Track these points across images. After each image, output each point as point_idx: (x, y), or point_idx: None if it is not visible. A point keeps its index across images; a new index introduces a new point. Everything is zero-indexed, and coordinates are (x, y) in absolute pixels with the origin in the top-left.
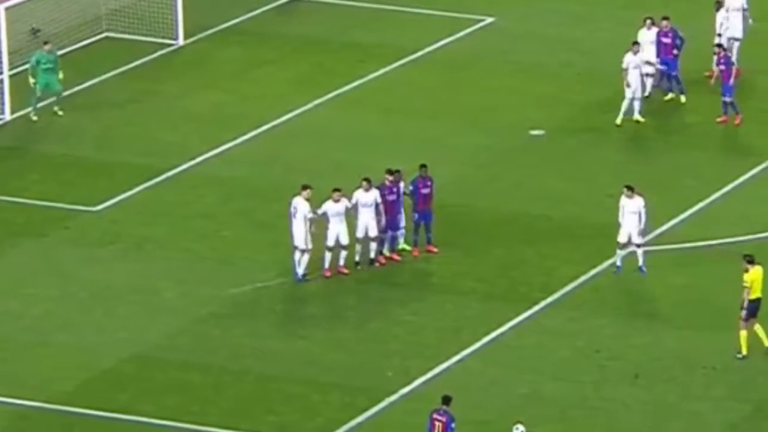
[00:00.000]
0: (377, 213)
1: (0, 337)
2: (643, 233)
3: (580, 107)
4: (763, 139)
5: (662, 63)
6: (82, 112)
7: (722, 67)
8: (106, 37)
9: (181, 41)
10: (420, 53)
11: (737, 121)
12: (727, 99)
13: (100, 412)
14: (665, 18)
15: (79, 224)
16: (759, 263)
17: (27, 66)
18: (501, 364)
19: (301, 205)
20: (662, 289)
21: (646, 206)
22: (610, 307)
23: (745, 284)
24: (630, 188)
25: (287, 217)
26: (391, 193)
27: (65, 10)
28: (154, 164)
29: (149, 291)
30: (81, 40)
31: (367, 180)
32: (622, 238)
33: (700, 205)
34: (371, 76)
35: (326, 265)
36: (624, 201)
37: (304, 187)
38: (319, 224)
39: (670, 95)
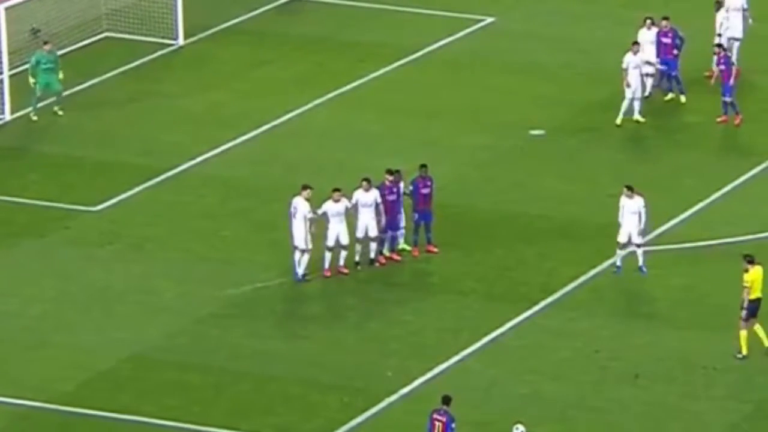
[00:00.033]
0: (377, 213)
1: (0, 338)
2: (643, 233)
3: (580, 107)
4: (763, 139)
5: (662, 63)
6: (82, 112)
7: (722, 67)
8: (106, 37)
9: (181, 41)
10: (420, 53)
11: (737, 121)
12: (727, 99)
13: (99, 413)
14: (665, 18)
15: (79, 224)
16: (759, 263)
17: (27, 66)
18: (501, 364)
19: (301, 205)
20: (662, 289)
21: (646, 206)
22: (610, 308)
23: (745, 284)
24: (630, 188)
25: (287, 217)
26: (391, 193)
27: (65, 10)
28: (154, 164)
29: (149, 291)
30: (81, 40)
31: (367, 180)
32: (622, 238)
33: (700, 205)
34: (371, 75)
35: (326, 265)
36: (624, 201)
37: (304, 187)
38: (319, 224)
39: (670, 95)
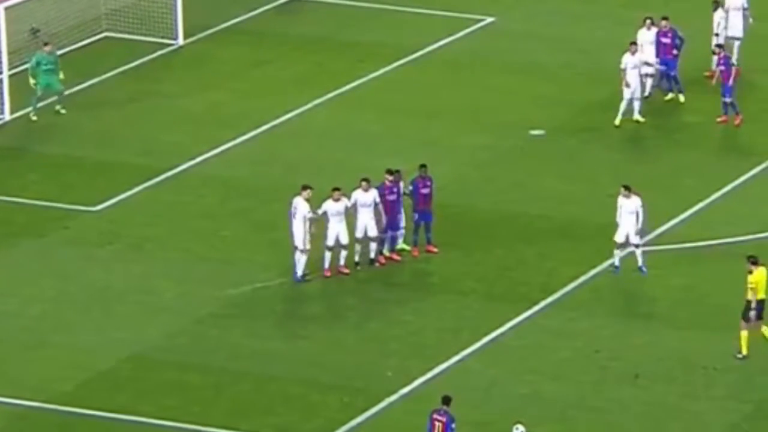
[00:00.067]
0: (376, 213)
1: None
2: (640, 233)
3: (580, 107)
4: (763, 139)
5: (662, 63)
6: (81, 112)
7: (722, 67)
8: (106, 37)
9: (180, 41)
10: (420, 53)
11: (737, 122)
12: (727, 99)
13: (99, 413)
14: (665, 18)
15: (79, 224)
16: (763, 264)
17: (27, 66)
18: (501, 364)
19: (300, 205)
20: (662, 289)
21: (643, 206)
22: (610, 308)
23: (751, 285)
24: (627, 188)
25: (287, 217)
26: (391, 193)
27: (65, 9)
28: (154, 164)
29: (148, 291)
30: (81, 40)
31: (366, 180)
32: (619, 238)
33: (700, 205)
34: (371, 75)
35: (326, 265)
36: (621, 201)
37: (304, 188)
38: (319, 224)
39: (670, 95)
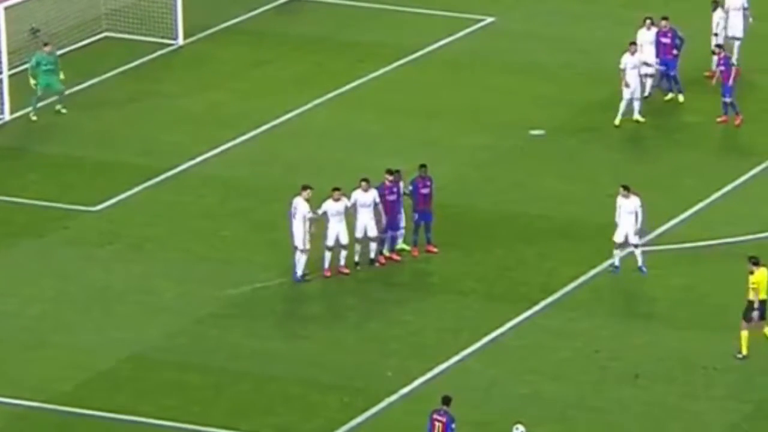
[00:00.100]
0: (376, 213)
1: None
2: (639, 233)
3: (580, 107)
4: (763, 139)
5: (662, 63)
6: (81, 112)
7: (722, 68)
8: (106, 37)
9: (180, 41)
10: (420, 53)
11: (737, 122)
12: (727, 100)
13: (98, 413)
14: (664, 18)
15: (78, 224)
16: (764, 265)
17: (26, 66)
18: (501, 364)
19: (300, 205)
20: (662, 289)
21: (642, 206)
22: (610, 308)
23: (753, 286)
24: (626, 188)
25: (287, 217)
26: (391, 193)
27: (65, 9)
28: (154, 164)
29: (148, 291)
30: (81, 40)
31: (366, 180)
32: (618, 238)
33: (700, 205)
34: (371, 75)
35: (326, 265)
36: (620, 201)
37: (304, 188)
38: (319, 224)
39: (670, 95)
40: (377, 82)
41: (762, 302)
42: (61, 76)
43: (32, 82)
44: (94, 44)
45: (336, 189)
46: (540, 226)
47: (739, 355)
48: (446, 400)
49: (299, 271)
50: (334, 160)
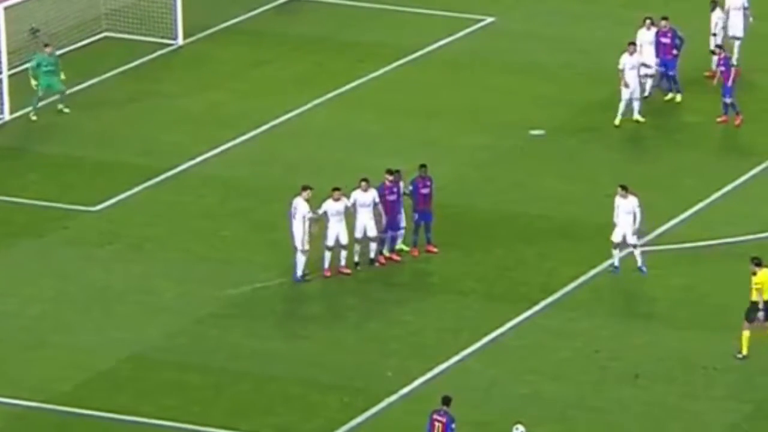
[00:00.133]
0: (376, 213)
1: None
2: (638, 233)
3: (580, 107)
4: (763, 139)
5: (661, 63)
6: (81, 112)
7: (722, 68)
8: (106, 37)
9: (180, 41)
10: (420, 53)
11: (737, 122)
12: (727, 100)
13: (98, 413)
14: (664, 18)
15: (78, 224)
16: (766, 265)
17: (27, 66)
18: (501, 364)
19: (300, 206)
20: (662, 289)
21: (640, 206)
22: (610, 308)
23: (756, 286)
24: (624, 188)
25: (287, 217)
26: (392, 193)
27: (64, 9)
28: (154, 164)
29: (148, 291)
30: (80, 40)
31: (366, 180)
32: (616, 238)
33: (700, 205)
34: (371, 75)
35: (326, 265)
36: (619, 201)
37: (304, 188)
38: (319, 224)
39: (669, 95)
40: (377, 82)
41: (766, 303)
42: (62, 76)
43: (33, 83)
44: (93, 44)
45: (336, 189)
46: (540, 226)
47: (739, 355)
48: (446, 401)
49: (299, 271)
50: (334, 160)
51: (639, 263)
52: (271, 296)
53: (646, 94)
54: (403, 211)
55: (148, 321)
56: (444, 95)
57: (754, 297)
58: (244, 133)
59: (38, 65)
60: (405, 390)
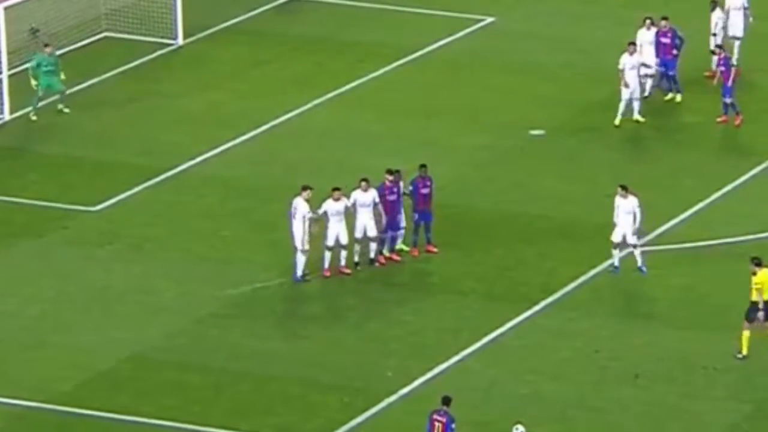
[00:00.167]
0: (376, 213)
1: None
2: (637, 233)
3: (580, 107)
4: (763, 139)
5: (661, 63)
6: (81, 112)
7: (722, 68)
8: (106, 37)
9: (180, 41)
10: (419, 53)
11: (737, 122)
12: (727, 100)
13: (98, 413)
14: (664, 18)
15: (78, 224)
16: (766, 265)
17: (26, 65)
18: (501, 364)
19: (300, 206)
20: (662, 289)
21: (640, 206)
22: (610, 308)
23: (756, 286)
24: (624, 188)
25: (287, 217)
26: (392, 193)
27: (64, 9)
28: (154, 164)
29: (148, 291)
30: (80, 40)
31: (365, 180)
32: (616, 238)
33: (700, 205)
34: (371, 75)
35: (326, 265)
36: (618, 201)
37: (305, 188)
38: (320, 224)
39: (669, 95)
40: (377, 82)
41: (766, 303)
42: (62, 76)
43: (33, 83)
44: (93, 44)
45: (336, 189)
46: (540, 226)
47: (739, 355)
48: (446, 401)
49: (299, 272)
50: (334, 160)
51: (639, 263)
52: (271, 296)
53: (646, 94)
54: (403, 211)
55: (148, 321)
56: (444, 95)
57: (754, 297)
58: (244, 133)
59: (38, 65)
60: (405, 390)
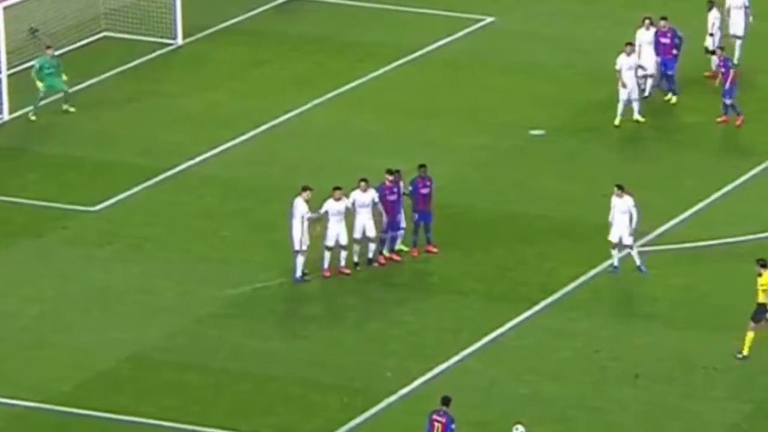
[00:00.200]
0: (375, 213)
1: None
2: (634, 233)
3: (580, 107)
4: (763, 139)
5: (661, 63)
6: (81, 112)
7: (722, 69)
8: (105, 37)
9: (179, 41)
10: (419, 53)
11: (738, 123)
12: (727, 101)
13: (98, 413)
14: (663, 18)
15: (78, 224)
16: None
17: (26, 65)
18: (501, 365)
19: (300, 206)
20: (662, 289)
21: (636, 206)
22: (610, 308)
23: (762, 288)
24: (620, 187)
25: (287, 218)
26: (392, 193)
27: (63, 9)
28: (153, 164)
29: (148, 291)
30: (79, 40)
31: (365, 180)
32: (613, 238)
33: (700, 205)
34: (371, 75)
35: (326, 265)
36: (614, 200)
37: (304, 189)
38: (322, 223)
39: (668, 96)
40: (377, 82)
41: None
42: (64, 77)
43: (39, 85)
44: (93, 44)
45: (337, 188)
46: (540, 226)
47: (739, 355)
48: (446, 401)
49: (299, 272)
50: (334, 160)
51: (638, 263)
52: (271, 296)
53: (646, 94)
54: (402, 211)
55: (148, 321)
56: (444, 95)
57: (761, 299)
58: (243, 133)
59: (41, 68)
60: (405, 390)
